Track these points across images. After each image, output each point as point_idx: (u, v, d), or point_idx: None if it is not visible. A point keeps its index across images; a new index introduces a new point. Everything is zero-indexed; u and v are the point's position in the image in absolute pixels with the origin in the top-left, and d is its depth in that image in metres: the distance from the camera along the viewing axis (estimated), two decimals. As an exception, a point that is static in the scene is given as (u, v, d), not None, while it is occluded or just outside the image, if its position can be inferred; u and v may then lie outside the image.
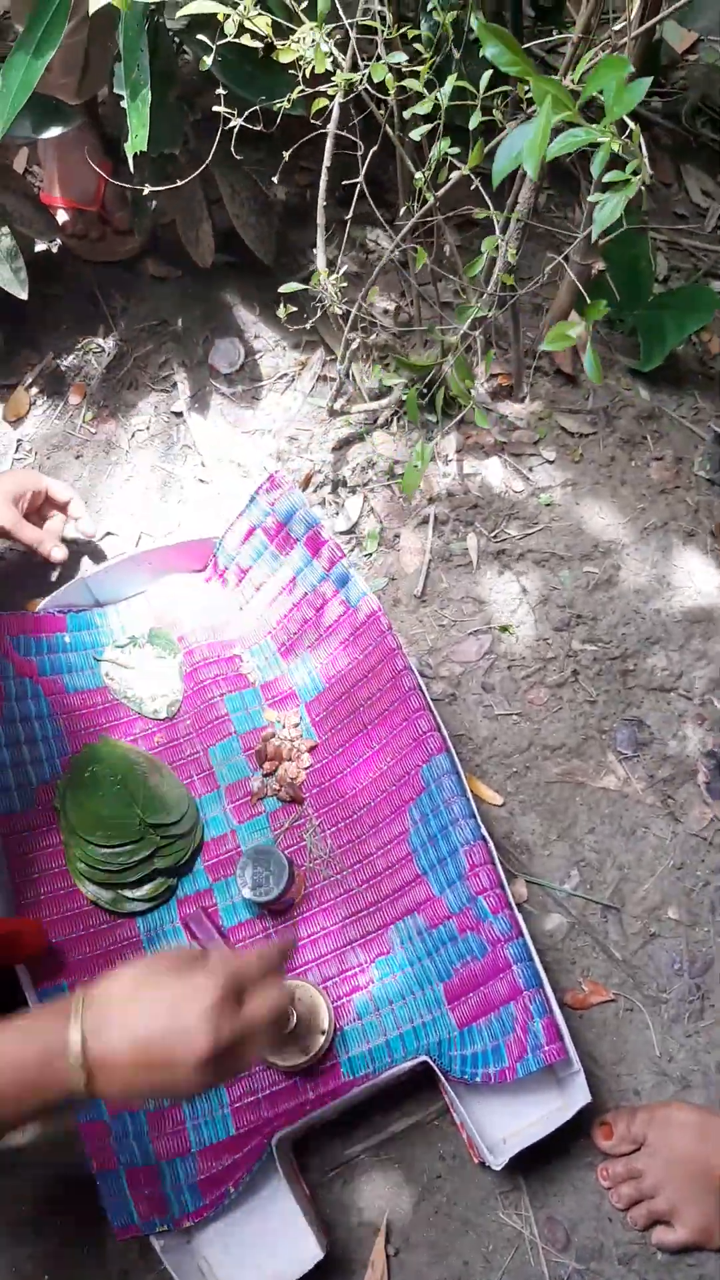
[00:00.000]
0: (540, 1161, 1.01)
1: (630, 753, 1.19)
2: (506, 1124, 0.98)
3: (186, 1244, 0.96)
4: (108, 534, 1.33)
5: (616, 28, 0.98)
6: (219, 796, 1.15)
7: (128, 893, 1.08)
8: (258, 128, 0.96)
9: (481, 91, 0.88)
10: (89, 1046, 0.67)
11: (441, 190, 0.99)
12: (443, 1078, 0.97)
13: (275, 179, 1.11)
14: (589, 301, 0.97)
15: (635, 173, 0.80)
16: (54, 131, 1.19)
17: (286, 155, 1.03)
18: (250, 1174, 0.94)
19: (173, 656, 1.22)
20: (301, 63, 0.86)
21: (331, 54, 0.86)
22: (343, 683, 1.16)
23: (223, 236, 1.38)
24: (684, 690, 1.22)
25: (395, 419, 1.37)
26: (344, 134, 1.06)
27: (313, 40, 0.82)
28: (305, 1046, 0.98)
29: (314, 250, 1.20)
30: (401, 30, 0.91)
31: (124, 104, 1.04)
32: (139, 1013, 0.69)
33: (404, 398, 1.33)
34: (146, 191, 1.10)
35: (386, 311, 1.45)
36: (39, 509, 1.26)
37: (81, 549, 1.32)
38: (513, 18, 1.03)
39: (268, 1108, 1.00)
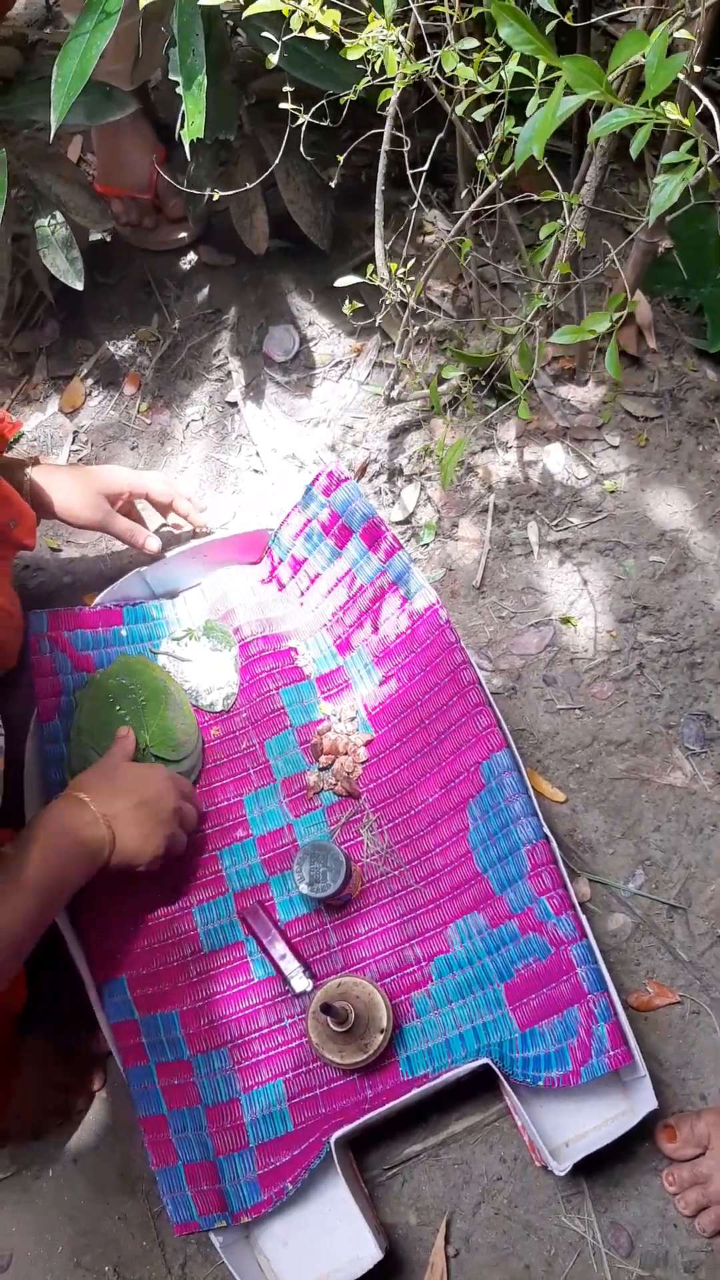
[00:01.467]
0: (604, 1165, 0.99)
1: (698, 749, 1.16)
2: (570, 1128, 0.96)
3: (245, 1240, 0.96)
4: (163, 525, 1.33)
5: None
6: (275, 790, 1.14)
7: None
8: (324, 122, 0.93)
9: (539, 75, 0.85)
10: (104, 814, 0.94)
11: (505, 172, 0.95)
12: (504, 1080, 0.95)
13: (335, 164, 1.08)
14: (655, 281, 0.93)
15: (695, 151, 0.75)
16: (109, 118, 1.18)
17: (347, 145, 1.00)
18: (309, 1171, 0.94)
19: (228, 649, 1.21)
20: (371, 56, 0.83)
21: (400, 46, 0.82)
22: (399, 677, 1.14)
23: (276, 222, 1.36)
24: (754, 684, 1.18)
25: (453, 406, 1.34)
26: (403, 118, 1.03)
27: (383, 38, 0.79)
28: (364, 1045, 0.97)
29: (369, 233, 1.18)
30: (469, 14, 0.88)
31: (178, 90, 1.02)
32: (125, 786, 0.99)
33: (461, 386, 1.30)
34: (200, 178, 1.08)
35: (444, 295, 1.42)
36: (133, 512, 1.25)
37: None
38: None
39: (326, 1104, 0.99)
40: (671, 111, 0.71)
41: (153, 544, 1.22)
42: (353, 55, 0.83)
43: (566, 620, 1.22)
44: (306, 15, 0.79)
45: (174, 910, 1.09)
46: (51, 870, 0.88)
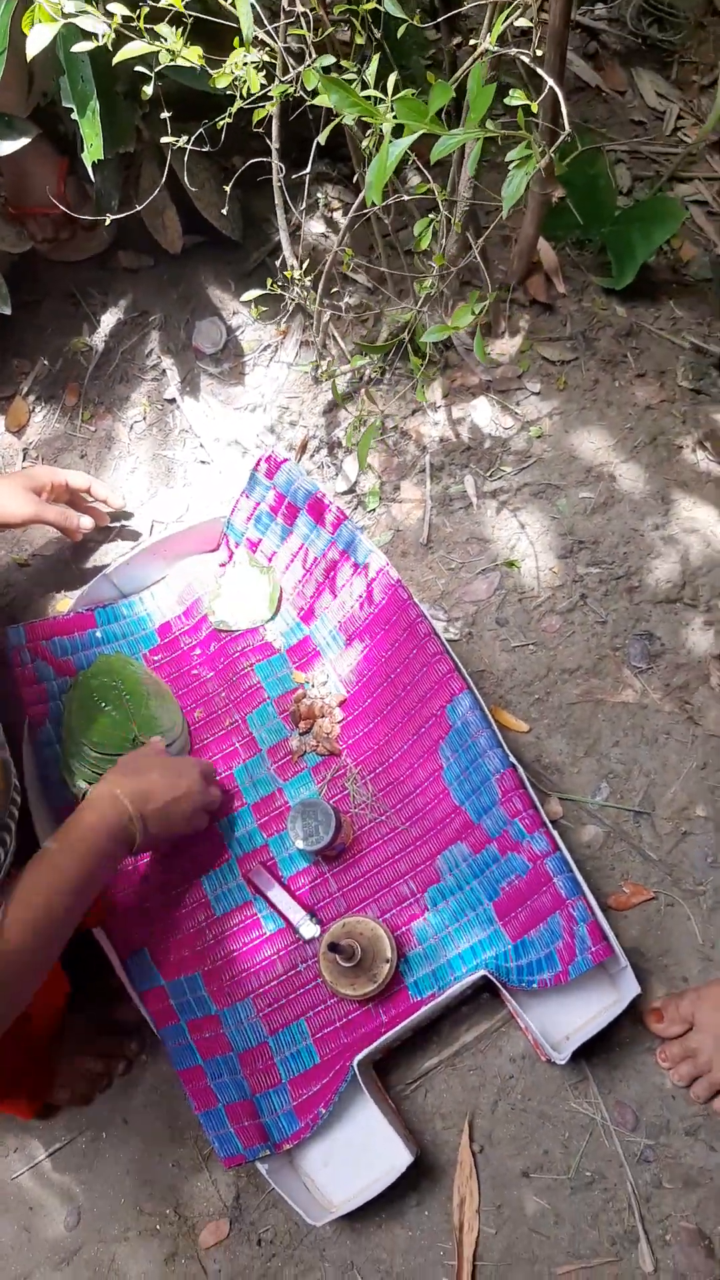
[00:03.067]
0: (603, 1051, 1.09)
1: (644, 666, 1.24)
2: (567, 1023, 1.06)
3: (289, 1164, 1.05)
4: (122, 524, 1.40)
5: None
6: (262, 759, 1.23)
7: None
8: (212, 121, 0.99)
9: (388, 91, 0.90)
10: (140, 811, 1.03)
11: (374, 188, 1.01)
12: (503, 988, 1.05)
13: (239, 154, 1.13)
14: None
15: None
16: (10, 147, 1.23)
17: (249, 135, 1.05)
18: (338, 1095, 1.03)
19: (263, 572, 1.29)
20: (237, 83, 0.89)
21: (263, 69, 0.88)
22: (362, 638, 1.22)
23: (188, 219, 1.41)
24: (689, 599, 1.26)
25: (382, 375, 1.40)
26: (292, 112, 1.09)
27: (245, 61, 0.85)
28: (374, 975, 1.07)
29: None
30: (328, 33, 0.94)
31: (73, 116, 1.07)
32: (161, 778, 1.07)
33: (399, 354, 1.36)
34: (107, 190, 1.14)
35: (359, 267, 1.48)
36: (64, 502, 1.33)
37: (102, 539, 1.39)
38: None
39: (346, 1034, 1.08)
40: (519, 97, 0.78)
41: (85, 522, 1.32)
42: (221, 83, 0.89)
43: (511, 564, 1.30)
44: (173, 52, 0.85)
45: (184, 882, 1.18)
46: (88, 865, 0.97)
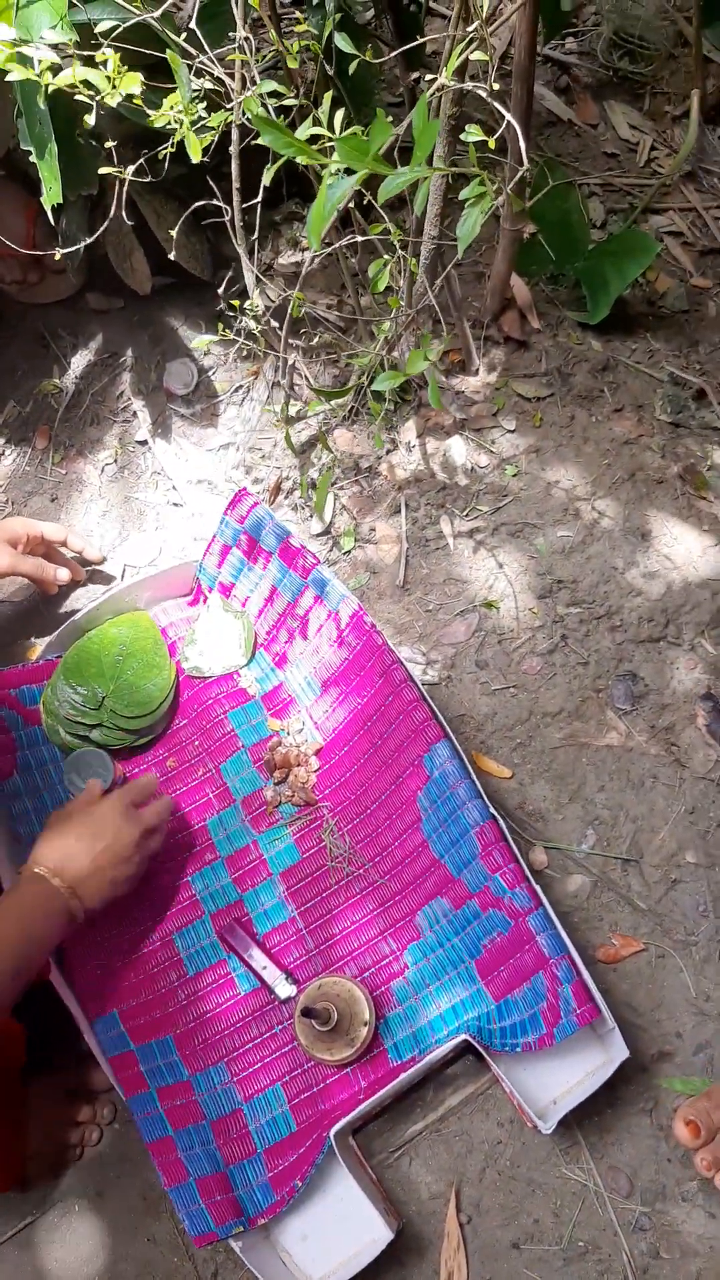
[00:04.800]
0: (594, 1114, 1.05)
1: (629, 707, 1.21)
2: (554, 1087, 1.01)
3: (265, 1239, 1.01)
4: (95, 570, 1.37)
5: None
6: (236, 810, 1.19)
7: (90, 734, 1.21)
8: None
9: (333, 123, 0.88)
10: (65, 879, 0.98)
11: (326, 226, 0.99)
12: (485, 1053, 1.01)
13: (205, 195, 1.11)
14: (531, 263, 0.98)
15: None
16: (-28, 191, 1.21)
17: (216, 173, 1.03)
18: (314, 1166, 0.99)
19: (237, 617, 1.27)
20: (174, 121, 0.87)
21: (198, 115, 0.87)
22: (338, 684, 1.19)
23: (157, 260, 1.39)
24: (672, 638, 1.23)
25: (353, 415, 1.38)
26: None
27: (176, 110, 0.83)
28: (352, 1039, 1.02)
29: (249, 256, 1.21)
30: (271, 56, 0.92)
31: (32, 159, 1.05)
32: (80, 838, 1.01)
33: (363, 394, 1.34)
34: (73, 232, 1.12)
35: (330, 306, 1.46)
36: (39, 554, 1.30)
37: (72, 589, 1.36)
38: (393, 18, 1.03)
39: (324, 1100, 1.04)
40: (475, 133, 0.76)
41: (62, 575, 1.29)
42: (159, 124, 0.87)
43: (489, 604, 1.27)
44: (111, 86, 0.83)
45: (155, 940, 1.14)
46: (19, 942, 0.93)
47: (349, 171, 0.78)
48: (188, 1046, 1.08)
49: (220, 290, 1.24)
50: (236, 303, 1.17)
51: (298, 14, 1.55)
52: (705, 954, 1.11)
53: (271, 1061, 1.06)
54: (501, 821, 1.05)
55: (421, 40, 0.98)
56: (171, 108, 0.84)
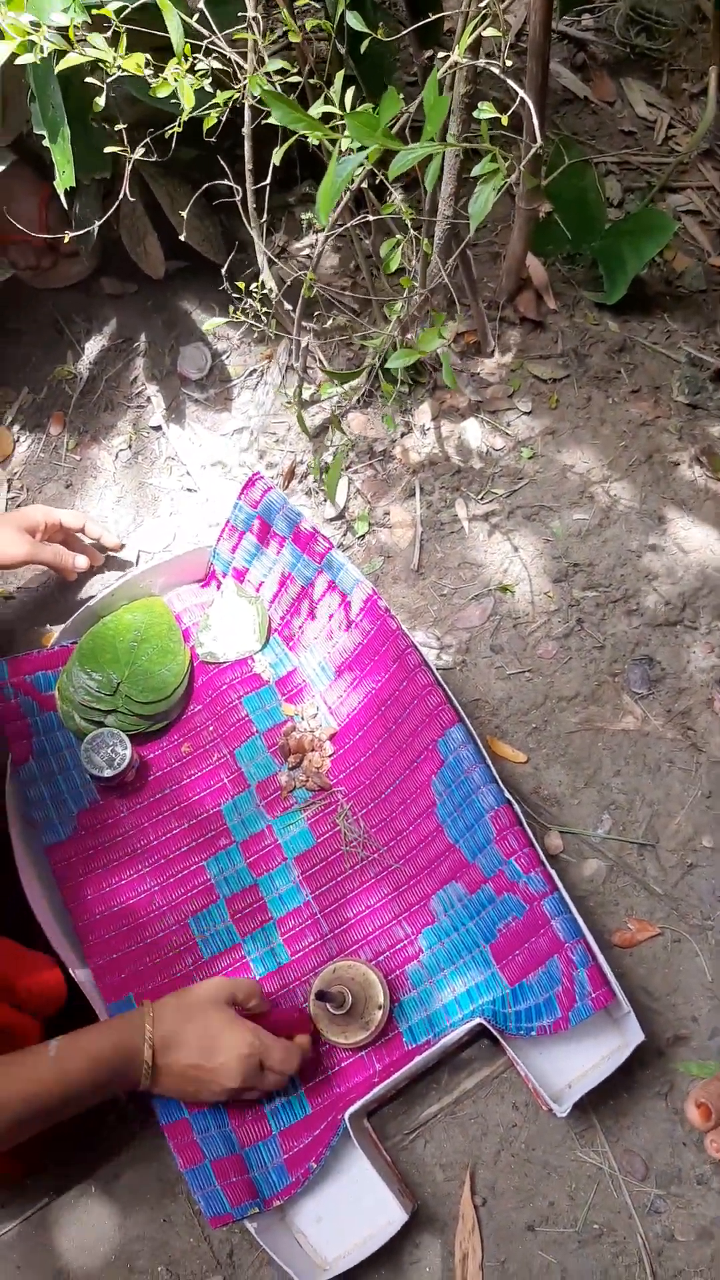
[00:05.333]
0: (609, 1098, 1.05)
1: (645, 691, 1.20)
2: (569, 1071, 1.01)
3: (281, 1221, 1.01)
4: (110, 555, 1.37)
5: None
6: (250, 795, 1.19)
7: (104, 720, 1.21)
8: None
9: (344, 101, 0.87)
10: (157, 1058, 0.94)
11: (338, 209, 0.98)
12: (500, 1035, 1.01)
13: (221, 176, 1.11)
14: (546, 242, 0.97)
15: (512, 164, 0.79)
16: (-14, 175, 1.21)
17: (230, 155, 1.02)
18: (329, 1148, 0.99)
19: (251, 602, 1.27)
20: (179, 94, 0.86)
21: (198, 85, 0.86)
22: (352, 669, 1.19)
23: (171, 244, 1.39)
24: (689, 621, 1.22)
25: (368, 398, 1.37)
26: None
27: (175, 76, 0.83)
28: (366, 1023, 1.02)
29: (268, 239, 1.21)
30: (283, 37, 0.92)
31: (45, 143, 1.05)
32: (193, 1041, 0.95)
33: (375, 377, 1.33)
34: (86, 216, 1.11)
35: (344, 289, 1.45)
36: (58, 541, 1.30)
37: (89, 575, 1.36)
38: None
39: (339, 1083, 1.04)
40: (488, 110, 0.75)
41: (80, 562, 1.30)
42: (162, 93, 0.86)
43: (505, 588, 1.26)
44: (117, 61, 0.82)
45: (171, 925, 1.14)
46: (71, 1092, 0.89)
47: (362, 149, 0.77)
48: (203, 1029, 1.08)
49: (223, 270, 1.23)
50: (242, 284, 1.16)
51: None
52: (722, 939, 1.10)
53: (287, 1044, 1.07)
54: (516, 806, 1.05)
55: (434, 17, 0.97)
56: (173, 81, 0.83)
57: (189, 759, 1.22)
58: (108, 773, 1.14)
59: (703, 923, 1.11)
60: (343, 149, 0.79)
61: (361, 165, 0.79)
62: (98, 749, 1.15)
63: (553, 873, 1.02)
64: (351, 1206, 1.00)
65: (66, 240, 1.07)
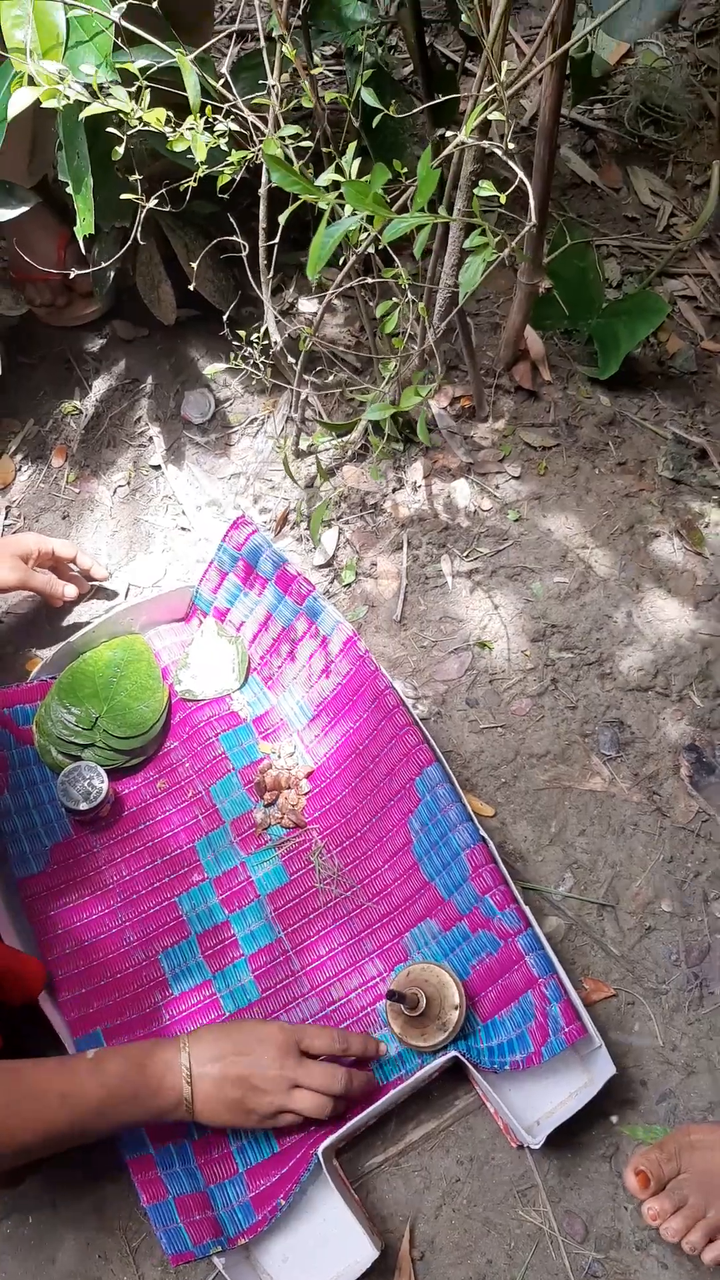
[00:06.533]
0: (555, 1156, 1.05)
1: (614, 754, 1.23)
2: (539, 1107, 1.03)
3: (246, 1259, 1.00)
4: (99, 588, 1.40)
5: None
6: (225, 832, 1.20)
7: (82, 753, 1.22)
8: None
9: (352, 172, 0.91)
10: (193, 1068, 0.94)
11: (364, 246, 1.03)
12: (473, 1070, 1.01)
13: (236, 230, 1.16)
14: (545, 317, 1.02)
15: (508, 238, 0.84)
16: (8, 214, 1.25)
17: (248, 212, 1.07)
18: (299, 1185, 0.99)
19: (231, 642, 1.29)
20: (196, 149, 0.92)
21: (215, 143, 0.91)
22: (329, 709, 1.21)
23: (183, 292, 1.44)
24: (661, 688, 1.25)
25: (363, 452, 1.42)
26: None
27: (191, 131, 0.88)
28: (444, 1024, 1.02)
29: (274, 295, 1.26)
30: (293, 103, 0.97)
31: (68, 190, 1.10)
32: (228, 1045, 0.96)
33: (369, 432, 1.38)
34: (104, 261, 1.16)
35: (348, 347, 1.51)
36: (49, 569, 1.34)
37: (76, 603, 1.39)
38: (424, 76, 1.08)
39: (308, 1121, 1.04)
40: (486, 189, 0.79)
41: (69, 591, 1.33)
42: (179, 147, 0.91)
43: (483, 644, 1.29)
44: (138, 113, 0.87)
45: (141, 960, 1.14)
46: (107, 1103, 0.91)
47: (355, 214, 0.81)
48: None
49: (225, 317, 1.28)
50: (242, 334, 1.21)
51: (338, 66, 1.61)
52: (675, 1003, 1.12)
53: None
54: (491, 844, 1.07)
55: (443, 99, 1.03)
56: (188, 128, 0.88)
57: (164, 794, 1.24)
58: (83, 806, 1.15)
59: (657, 987, 1.13)
60: (346, 214, 0.84)
61: (365, 230, 0.83)
62: (74, 782, 1.16)
63: (527, 910, 1.04)
64: (319, 1246, 0.99)
65: (71, 275, 1.11)
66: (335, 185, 0.88)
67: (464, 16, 0.90)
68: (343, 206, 0.90)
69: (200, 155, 0.91)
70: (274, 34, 0.96)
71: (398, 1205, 1.05)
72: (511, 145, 0.84)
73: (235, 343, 1.24)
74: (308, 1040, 0.99)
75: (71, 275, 1.22)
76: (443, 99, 1.05)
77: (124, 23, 0.91)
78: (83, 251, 1.24)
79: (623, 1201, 1.04)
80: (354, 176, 0.84)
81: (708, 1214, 0.98)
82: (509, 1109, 1.01)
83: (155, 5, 0.87)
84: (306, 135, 0.95)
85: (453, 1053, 1.01)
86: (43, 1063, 0.91)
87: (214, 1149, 1.04)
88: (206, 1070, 0.94)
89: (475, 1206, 1.04)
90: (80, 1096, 0.89)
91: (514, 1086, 1.03)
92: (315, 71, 1.00)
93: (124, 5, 0.88)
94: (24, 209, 1.26)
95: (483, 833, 1.08)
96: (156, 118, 0.87)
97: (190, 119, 0.89)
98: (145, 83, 0.89)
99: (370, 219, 0.86)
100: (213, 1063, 0.94)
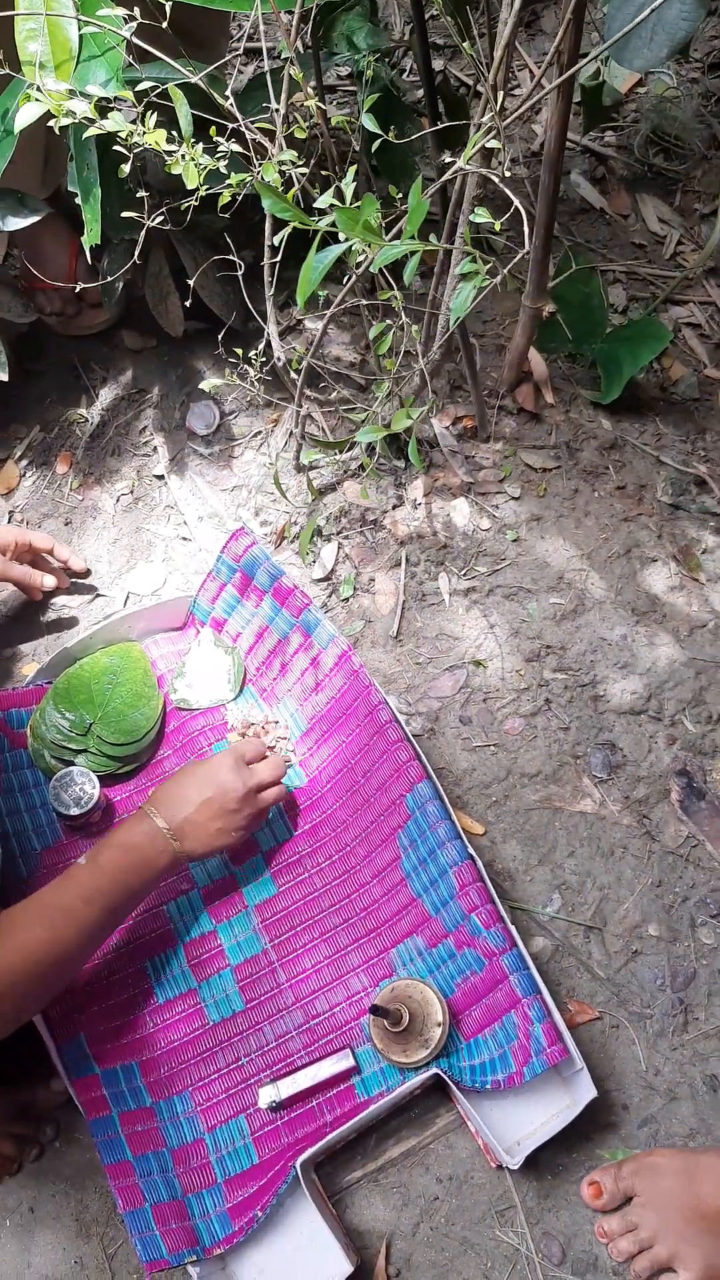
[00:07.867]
0: (534, 1178, 1.05)
1: (605, 776, 1.23)
2: (520, 1127, 1.03)
3: (222, 1270, 1.00)
4: (98, 595, 1.40)
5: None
6: (214, 842, 1.20)
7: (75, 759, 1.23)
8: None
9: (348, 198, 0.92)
10: (171, 822, 1.04)
11: (361, 269, 1.05)
12: (455, 1088, 1.01)
13: (247, 246, 1.18)
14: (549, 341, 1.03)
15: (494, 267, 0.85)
16: (19, 223, 1.27)
17: (258, 227, 1.08)
18: (276, 1197, 0.99)
19: (227, 652, 1.30)
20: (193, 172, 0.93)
21: (213, 166, 0.93)
22: (323, 722, 1.21)
23: (192, 304, 1.45)
24: (654, 712, 1.26)
25: (364, 469, 1.43)
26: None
27: (185, 157, 0.89)
28: (426, 1040, 1.02)
29: (280, 310, 1.27)
30: (293, 127, 0.99)
31: (78, 201, 1.11)
32: (189, 787, 1.06)
33: (372, 447, 1.39)
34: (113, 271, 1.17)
35: (352, 365, 1.52)
36: (27, 562, 1.35)
37: (75, 604, 1.39)
38: (429, 102, 1.09)
39: (287, 1133, 1.04)
40: (482, 215, 0.81)
41: (48, 582, 1.36)
42: (175, 170, 0.93)
43: (478, 663, 1.30)
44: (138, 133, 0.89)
45: (128, 969, 1.14)
46: (115, 884, 0.99)
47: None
48: (153, 1073, 1.08)
49: (221, 336, 1.29)
50: (240, 350, 1.23)
51: (353, 87, 1.63)
52: (659, 1028, 1.12)
53: (237, 1092, 1.07)
54: (479, 862, 1.07)
55: (447, 124, 1.04)
56: (184, 152, 0.90)
57: (154, 800, 1.24)
58: (74, 811, 1.16)
59: (642, 1010, 1.13)
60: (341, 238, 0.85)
61: (364, 255, 0.85)
62: (66, 787, 1.17)
63: (513, 929, 1.04)
64: (295, 1259, 0.99)
65: (78, 289, 1.12)
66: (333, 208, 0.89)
67: (464, 47, 0.91)
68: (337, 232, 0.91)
69: (190, 183, 0.92)
70: (282, 55, 0.98)
71: (375, 1221, 1.05)
72: (509, 173, 0.86)
73: (231, 359, 1.26)
74: (239, 750, 1.10)
75: (79, 286, 1.23)
76: (448, 124, 1.06)
77: (136, 40, 0.92)
78: (90, 262, 1.25)
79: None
80: (351, 201, 0.85)
81: (654, 1246, 0.98)
82: (489, 1128, 1.01)
83: (165, 25, 0.89)
84: (304, 161, 0.96)
85: (434, 1070, 1.01)
86: (50, 886, 0.98)
87: (193, 1157, 1.04)
88: (182, 820, 1.04)
89: (453, 1225, 1.04)
90: (96, 892, 0.97)
91: (495, 1106, 1.03)
92: (329, 94, 1.01)
93: (135, 24, 0.90)
94: (35, 218, 1.28)
95: (471, 850, 1.08)
96: (156, 140, 0.88)
97: (184, 146, 0.91)
98: (155, 99, 0.91)
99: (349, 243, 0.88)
100: (184, 809, 1.04)
